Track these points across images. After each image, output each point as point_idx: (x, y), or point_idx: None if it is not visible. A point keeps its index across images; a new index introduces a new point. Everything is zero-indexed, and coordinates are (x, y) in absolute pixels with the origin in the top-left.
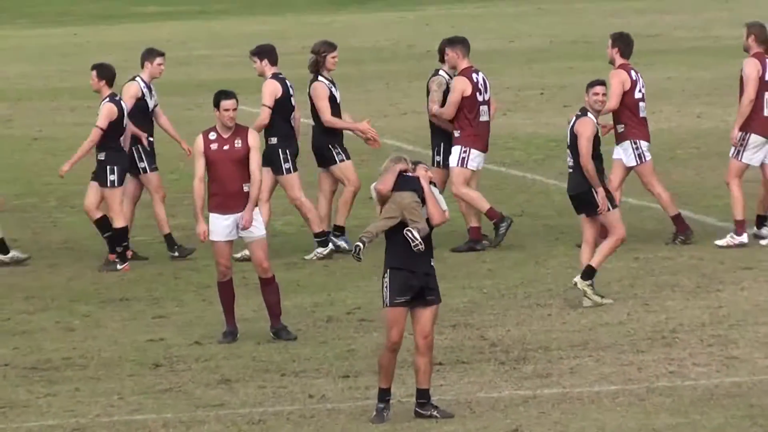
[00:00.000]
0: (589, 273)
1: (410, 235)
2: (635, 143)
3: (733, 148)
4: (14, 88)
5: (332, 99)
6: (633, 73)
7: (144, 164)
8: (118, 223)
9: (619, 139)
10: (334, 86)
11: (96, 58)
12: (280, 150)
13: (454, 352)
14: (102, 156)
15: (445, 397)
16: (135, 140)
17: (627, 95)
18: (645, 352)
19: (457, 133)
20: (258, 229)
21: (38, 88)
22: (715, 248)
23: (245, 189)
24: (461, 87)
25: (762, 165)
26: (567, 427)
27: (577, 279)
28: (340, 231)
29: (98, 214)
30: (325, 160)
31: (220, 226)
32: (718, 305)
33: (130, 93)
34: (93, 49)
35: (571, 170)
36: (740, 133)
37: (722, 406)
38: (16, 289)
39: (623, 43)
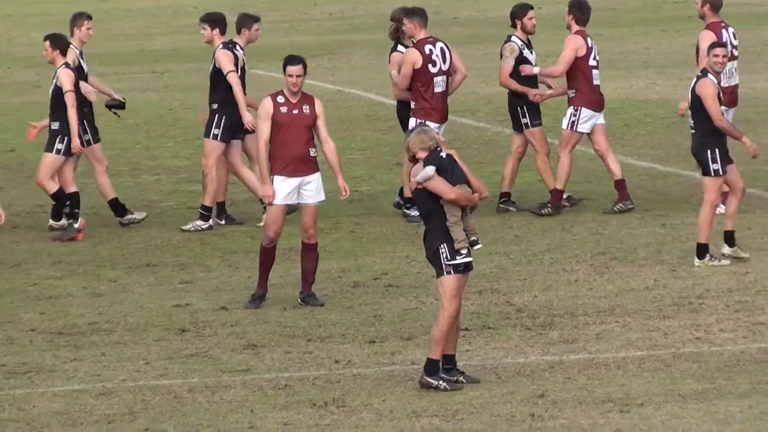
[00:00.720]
0: (728, 238)
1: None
2: (576, 110)
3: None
4: (42, 54)
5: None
6: (589, 40)
7: (88, 136)
8: (51, 189)
9: (569, 103)
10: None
11: (123, 25)
12: (217, 115)
13: (480, 318)
14: (56, 126)
15: (471, 362)
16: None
17: (581, 61)
18: (671, 317)
19: (412, 105)
20: (319, 195)
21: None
22: (743, 214)
23: (311, 154)
24: (412, 59)
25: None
26: (593, 392)
27: (726, 249)
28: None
29: (73, 187)
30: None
31: (283, 190)
32: (745, 271)
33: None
34: (121, 15)
35: (693, 131)
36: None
37: (748, 372)
38: (43, 255)
39: (579, 11)
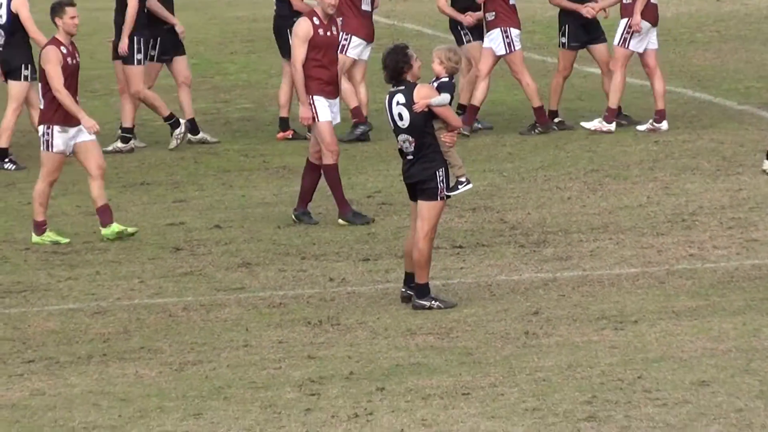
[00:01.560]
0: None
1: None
2: (505, 31)
3: (618, 37)
4: None
5: None
6: None
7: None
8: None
9: (489, 27)
10: None
11: None
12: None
13: (474, 235)
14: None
15: (465, 279)
16: None
17: None
18: (665, 234)
19: (339, 21)
20: (338, 117)
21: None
22: (736, 131)
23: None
24: None
25: (644, 51)
26: (587, 309)
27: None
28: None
29: None
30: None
31: (328, 109)
32: (738, 188)
33: None
34: None
35: None
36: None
37: (742, 289)
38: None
39: None
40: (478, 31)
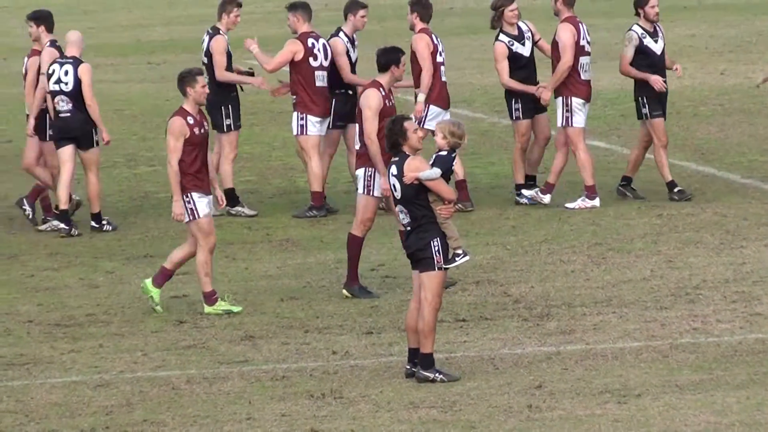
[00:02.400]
0: None
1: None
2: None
3: (560, 118)
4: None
5: (514, 57)
6: (434, 37)
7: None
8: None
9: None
10: (518, 41)
11: (118, 16)
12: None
13: (477, 309)
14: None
15: (469, 353)
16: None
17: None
18: (668, 308)
19: (294, 99)
20: None
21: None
22: (739, 205)
23: None
24: (293, 49)
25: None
26: (590, 383)
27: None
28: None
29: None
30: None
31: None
32: (741, 261)
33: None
34: (116, 6)
35: None
36: (561, 98)
37: (746, 363)
38: (40, 246)
39: (421, 7)
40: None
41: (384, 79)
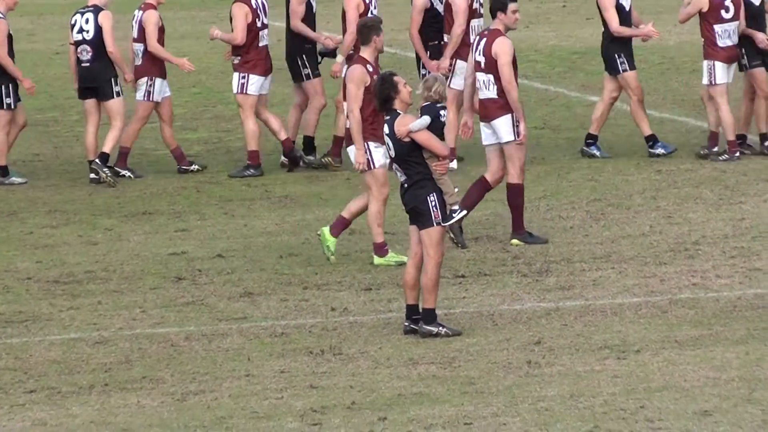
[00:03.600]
0: None
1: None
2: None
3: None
4: (35, 2)
5: (620, 8)
6: (254, 1)
7: (10, 100)
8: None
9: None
10: None
11: None
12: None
13: (476, 265)
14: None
15: (468, 309)
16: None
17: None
18: (667, 264)
19: (236, 60)
20: None
21: (60, 3)
22: (738, 160)
23: None
24: (245, 11)
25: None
26: (589, 339)
27: None
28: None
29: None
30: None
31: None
32: (740, 217)
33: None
34: None
35: None
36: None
37: (745, 318)
38: (39, 203)
39: None
40: None
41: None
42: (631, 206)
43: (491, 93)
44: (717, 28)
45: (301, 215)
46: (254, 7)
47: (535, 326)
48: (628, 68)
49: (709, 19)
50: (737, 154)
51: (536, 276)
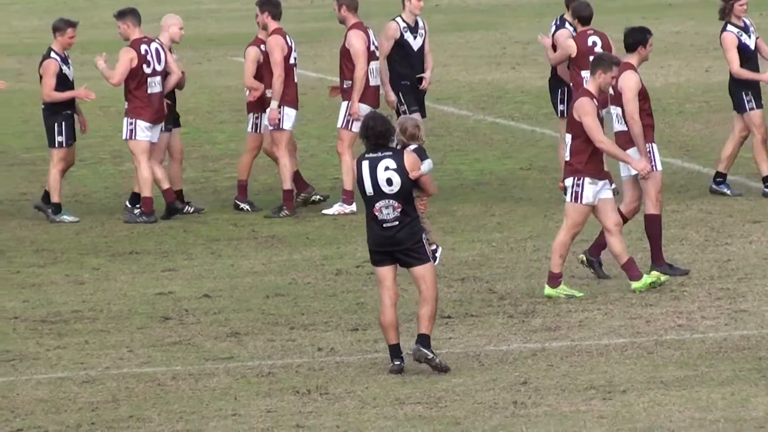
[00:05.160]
0: None
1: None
2: (281, 108)
3: (341, 119)
4: (24, 42)
5: (743, 48)
6: (288, 38)
7: (62, 138)
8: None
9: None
10: (745, 33)
11: (105, 12)
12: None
13: (463, 305)
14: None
15: (454, 350)
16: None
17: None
18: (653, 305)
19: (126, 105)
20: None
21: (48, 43)
22: (724, 202)
23: None
24: (129, 56)
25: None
26: (575, 379)
27: None
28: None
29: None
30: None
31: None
32: (726, 258)
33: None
34: (104, 3)
35: None
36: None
37: (731, 359)
38: (26, 242)
39: (272, 6)
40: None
41: (633, 59)
42: None
43: (621, 126)
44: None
45: (288, 255)
46: (143, 53)
47: (521, 367)
48: (755, 107)
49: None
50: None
51: (522, 317)
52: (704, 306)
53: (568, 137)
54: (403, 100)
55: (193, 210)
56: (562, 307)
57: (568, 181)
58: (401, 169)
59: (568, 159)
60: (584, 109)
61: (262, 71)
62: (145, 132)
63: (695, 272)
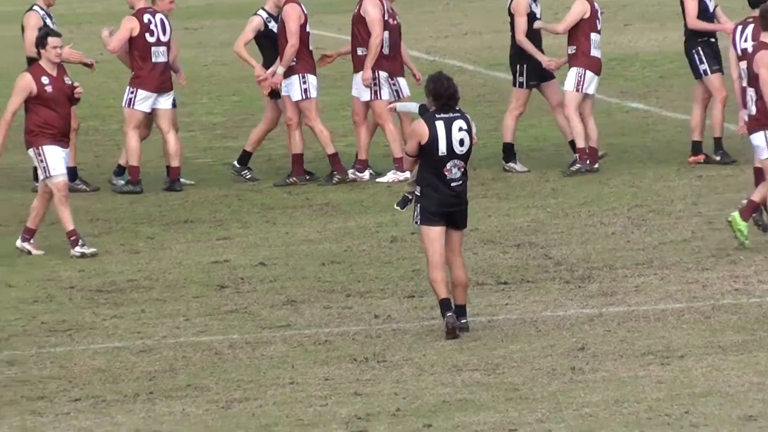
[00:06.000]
0: None
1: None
2: (303, 77)
3: (368, 91)
4: (75, 12)
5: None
6: (302, 6)
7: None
8: None
9: (290, 72)
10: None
11: None
12: None
13: (519, 271)
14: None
15: (511, 316)
16: None
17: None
18: (710, 269)
19: (132, 73)
20: None
21: (99, 12)
22: None
23: None
24: (129, 26)
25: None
26: (632, 345)
27: None
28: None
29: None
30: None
31: None
32: None
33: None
34: None
35: None
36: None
37: None
38: (81, 212)
39: None
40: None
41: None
42: (672, 212)
43: (753, 107)
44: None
45: (342, 222)
46: (146, 22)
47: (579, 332)
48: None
49: None
50: None
51: (579, 282)
52: (761, 270)
53: (752, 91)
54: None
55: (249, 177)
56: (618, 272)
57: (758, 137)
58: (470, 131)
59: (754, 113)
60: (764, 62)
61: (279, 39)
62: (143, 102)
63: (751, 236)
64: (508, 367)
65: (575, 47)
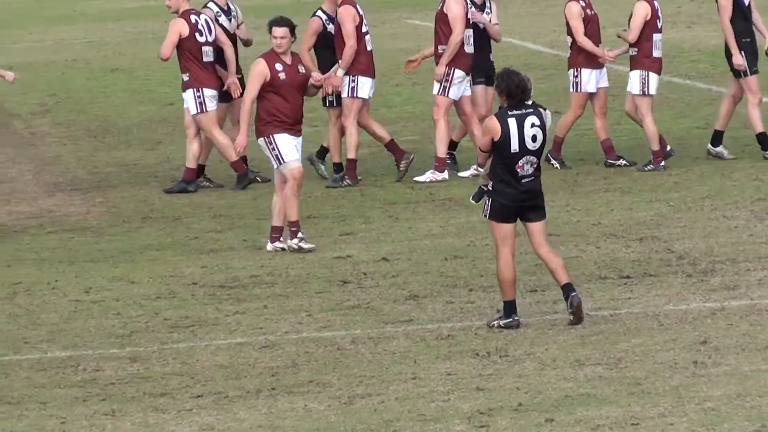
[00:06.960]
0: None
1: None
2: (353, 78)
3: (437, 85)
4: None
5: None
6: (358, 7)
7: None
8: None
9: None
10: None
11: None
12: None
13: (641, 265)
14: None
15: (633, 309)
16: None
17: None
18: None
19: (185, 77)
20: None
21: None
22: None
23: None
24: (177, 29)
25: (460, 98)
26: (755, 338)
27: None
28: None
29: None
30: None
31: None
32: None
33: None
34: None
35: None
36: (446, 69)
37: None
38: (204, 208)
39: None
40: None
41: None
42: None
43: None
44: None
45: (465, 217)
46: (193, 22)
47: (701, 326)
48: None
49: None
50: None
51: (701, 276)
52: None
53: None
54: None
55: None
56: (741, 266)
57: None
58: (544, 126)
59: None
60: None
61: (335, 41)
62: (212, 102)
63: None
64: (630, 361)
65: (636, 49)
